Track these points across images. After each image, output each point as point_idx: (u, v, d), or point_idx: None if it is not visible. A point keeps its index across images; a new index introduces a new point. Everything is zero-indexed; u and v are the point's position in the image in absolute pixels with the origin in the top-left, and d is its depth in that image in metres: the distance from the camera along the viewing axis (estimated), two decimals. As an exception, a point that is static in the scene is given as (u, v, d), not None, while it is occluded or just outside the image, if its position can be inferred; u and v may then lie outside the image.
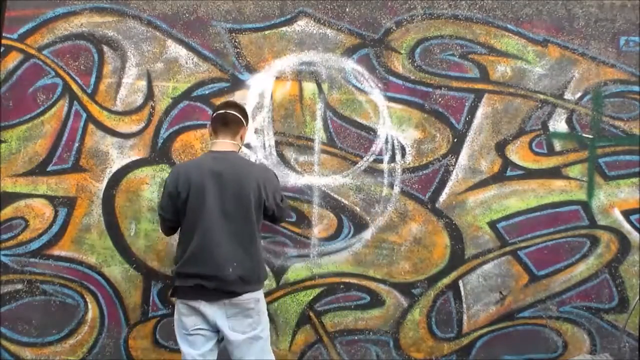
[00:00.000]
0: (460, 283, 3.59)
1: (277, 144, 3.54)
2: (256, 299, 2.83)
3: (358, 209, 3.56)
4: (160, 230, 3.06)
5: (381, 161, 3.57)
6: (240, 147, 2.98)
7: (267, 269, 3.46)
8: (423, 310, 3.58)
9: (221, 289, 2.73)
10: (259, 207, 2.81)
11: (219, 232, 2.73)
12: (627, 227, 3.61)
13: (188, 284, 2.75)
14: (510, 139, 3.60)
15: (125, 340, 3.51)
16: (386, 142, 3.57)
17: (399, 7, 3.60)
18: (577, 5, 3.64)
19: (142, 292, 3.50)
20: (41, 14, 3.50)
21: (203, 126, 3.52)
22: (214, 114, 2.92)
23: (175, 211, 2.82)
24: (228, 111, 2.89)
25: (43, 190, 3.49)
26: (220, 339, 2.86)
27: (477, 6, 3.62)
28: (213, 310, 2.76)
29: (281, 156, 3.54)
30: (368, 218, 3.56)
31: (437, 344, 3.59)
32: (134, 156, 3.52)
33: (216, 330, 2.81)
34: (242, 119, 2.91)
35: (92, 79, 3.52)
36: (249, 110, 3.50)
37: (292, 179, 3.53)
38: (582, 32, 3.64)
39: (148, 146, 3.52)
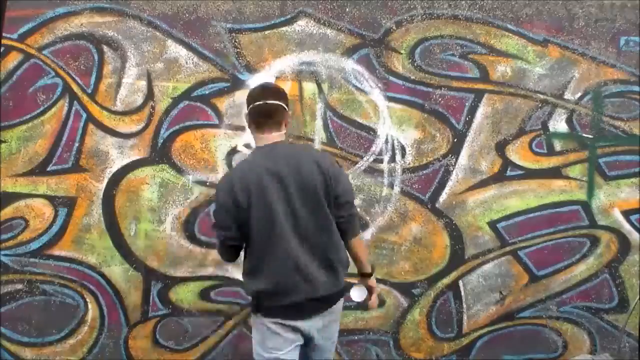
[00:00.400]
0: (461, 283, 3.59)
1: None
2: (342, 300, 2.58)
3: (358, 209, 3.55)
4: (221, 257, 2.58)
5: (381, 161, 3.57)
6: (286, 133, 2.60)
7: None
8: (423, 310, 3.58)
9: (317, 300, 2.44)
10: (327, 193, 2.42)
11: (296, 238, 2.40)
12: (627, 227, 3.61)
13: (282, 302, 2.42)
14: (511, 139, 3.60)
15: (125, 341, 3.51)
16: (386, 142, 3.57)
17: (399, 7, 3.60)
18: (577, 5, 3.64)
19: (142, 292, 3.50)
20: (41, 14, 3.50)
21: (203, 126, 3.52)
22: (253, 105, 2.50)
23: (237, 225, 2.42)
24: (268, 101, 2.48)
25: (43, 190, 3.49)
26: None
27: (477, 6, 3.62)
28: (309, 324, 2.47)
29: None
30: (368, 218, 3.56)
31: (437, 344, 3.59)
32: (134, 156, 3.51)
33: (306, 340, 2.53)
34: (283, 106, 2.52)
35: (92, 79, 3.51)
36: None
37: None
38: (582, 32, 3.64)
39: (148, 146, 3.52)
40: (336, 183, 2.45)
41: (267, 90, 2.57)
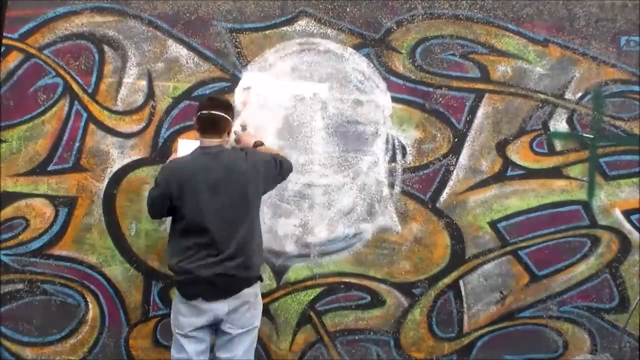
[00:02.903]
0: (461, 283, 3.59)
1: (278, 144, 3.53)
2: (255, 293, 2.89)
3: (358, 209, 3.56)
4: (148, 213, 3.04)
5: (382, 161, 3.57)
6: (228, 140, 3.01)
7: (267, 267, 3.47)
8: (424, 310, 3.58)
9: (220, 278, 2.76)
10: (257, 185, 2.88)
11: (218, 226, 2.76)
12: (627, 227, 3.61)
13: (190, 276, 2.78)
14: (511, 138, 3.60)
15: (125, 340, 3.51)
16: (387, 141, 3.57)
17: (400, 7, 3.60)
18: (577, 5, 3.64)
19: (142, 292, 3.50)
20: (42, 13, 3.50)
21: (204, 126, 3.52)
22: (200, 114, 2.90)
23: (164, 208, 2.87)
24: (213, 112, 2.88)
25: (44, 190, 3.48)
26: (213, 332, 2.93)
27: (478, 6, 3.62)
28: (214, 306, 2.79)
29: (282, 156, 3.54)
30: (368, 218, 3.56)
31: (438, 343, 3.59)
32: (135, 156, 3.51)
33: (214, 325, 2.85)
34: (226, 117, 2.92)
35: (93, 79, 3.52)
36: (249, 109, 3.52)
37: (292, 179, 3.51)
38: (583, 32, 3.64)
39: (149, 146, 3.52)
40: (262, 169, 2.91)
41: (214, 102, 2.97)
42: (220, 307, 2.78)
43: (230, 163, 2.84)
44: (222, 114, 2.89)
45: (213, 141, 2.88)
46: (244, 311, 2.83)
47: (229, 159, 2.86)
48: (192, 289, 2.78)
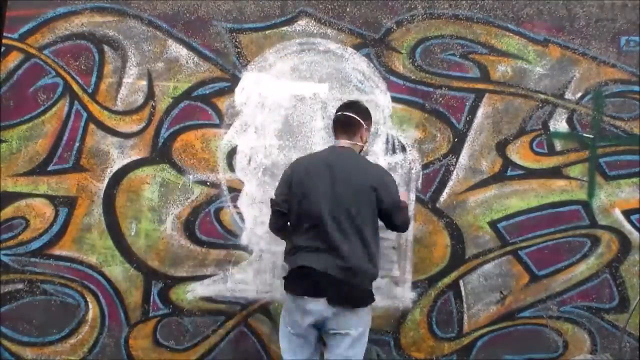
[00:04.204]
0: (461, 283, 3.58)
1: (278, 144, 3.54)
2: (366, 308, 2.89)
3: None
4: (270, 228, 2.99)
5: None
6: (362, 147, 2.99)
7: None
8: (424, 310, 3.58)
9: (332, 276, 2.72)
10: (369, 205, 2.78)
11: (332, 222, 2.72)
12: (627, 227, 3.60)
13: (298, 263, 2.77)
14: (511, 138, 3.60)
15: (125, 340, 3.51)
16: (387, 141, 3.57)
17: (400, 7, 3.60)
18: (577, 5, 3.64)
19: (142, 292, 3.50)
20: (42, 13, 3.50)
21: (204, 126, 3.52)
22: (335, 115, 2.99)
23: (288, 195, 2.84)
24: (345, 113, 2.95)
25: (44, 190, 3.49)
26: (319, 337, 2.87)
27: (478, 6, 3.62)
28: (320, 306, 2.74)
29: (281, 156, 3.53)
30: (369, 218, 3.55)
31: (438, 343, 3.59)
32: (135, 156, 3.52)
33: (318, 327, 2.80)
34: (358, 119, 2.93)
35: (93, 79, 3.52)
36: (248, 109, 3.52)
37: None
38: (583, 32, 3.64)
39: (149, 146, 3.52)
40: (384, 193, 2.81)
41: (349, 105, 3.03)
42: (325, 307, 2.73)
43: (353, 162, 2.84)
44: (353, 115, 2.93)
45: (342, 142, 2.91)
46: (350, 317, 2.79)
47: (354, 158, 2.87)
48: (296, 281, 2.81)
